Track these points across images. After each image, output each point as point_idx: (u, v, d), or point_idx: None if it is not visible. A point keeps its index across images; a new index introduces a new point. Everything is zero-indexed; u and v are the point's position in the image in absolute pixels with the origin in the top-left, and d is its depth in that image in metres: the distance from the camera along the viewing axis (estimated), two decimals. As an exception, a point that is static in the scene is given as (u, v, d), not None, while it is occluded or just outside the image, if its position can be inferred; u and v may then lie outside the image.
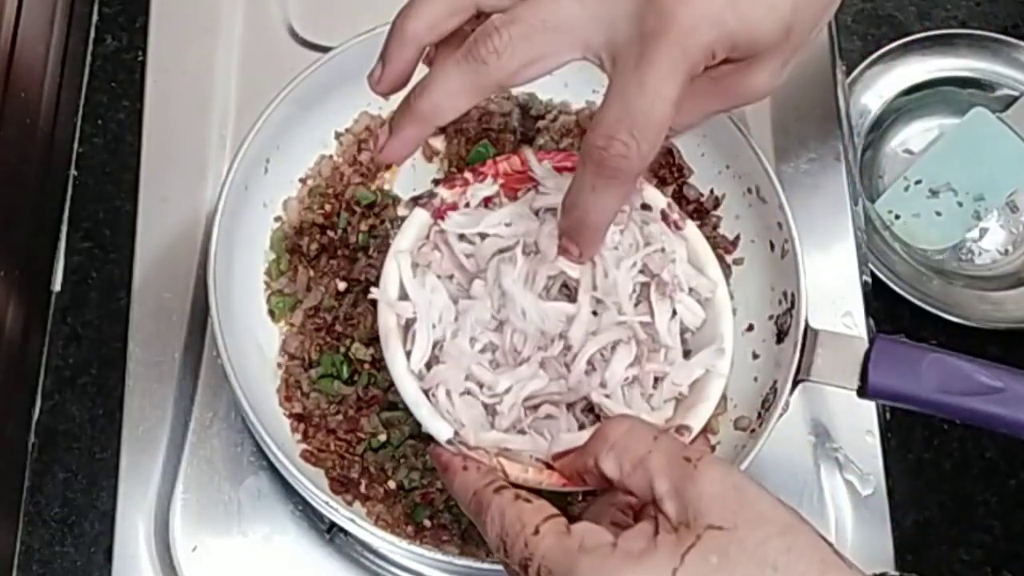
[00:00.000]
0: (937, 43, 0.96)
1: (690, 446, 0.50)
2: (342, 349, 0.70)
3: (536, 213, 0.60)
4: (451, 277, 0.60)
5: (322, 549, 0.70)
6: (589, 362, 0.58)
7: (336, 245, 0.72)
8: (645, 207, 0.63)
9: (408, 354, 0.58)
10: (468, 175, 0.62)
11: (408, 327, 0.58)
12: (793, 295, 0.66)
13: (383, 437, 0.68)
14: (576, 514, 0.52)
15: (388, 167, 0.75)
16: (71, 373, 0.76)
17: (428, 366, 0.58)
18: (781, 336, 0.66)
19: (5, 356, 0.73)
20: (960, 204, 0.92)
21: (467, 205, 0.61)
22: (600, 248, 0.58)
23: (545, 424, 0.57)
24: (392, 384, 0.69)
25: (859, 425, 0.74)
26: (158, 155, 0.79)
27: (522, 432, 0.57)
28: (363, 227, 0.73)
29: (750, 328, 0.69)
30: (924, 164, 0.94)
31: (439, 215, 0.61)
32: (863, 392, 0.62)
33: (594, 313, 0.58)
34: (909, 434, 0.81)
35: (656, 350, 0.59)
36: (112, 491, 0.71)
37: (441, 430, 0.55)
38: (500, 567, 0.63)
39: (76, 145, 0.82)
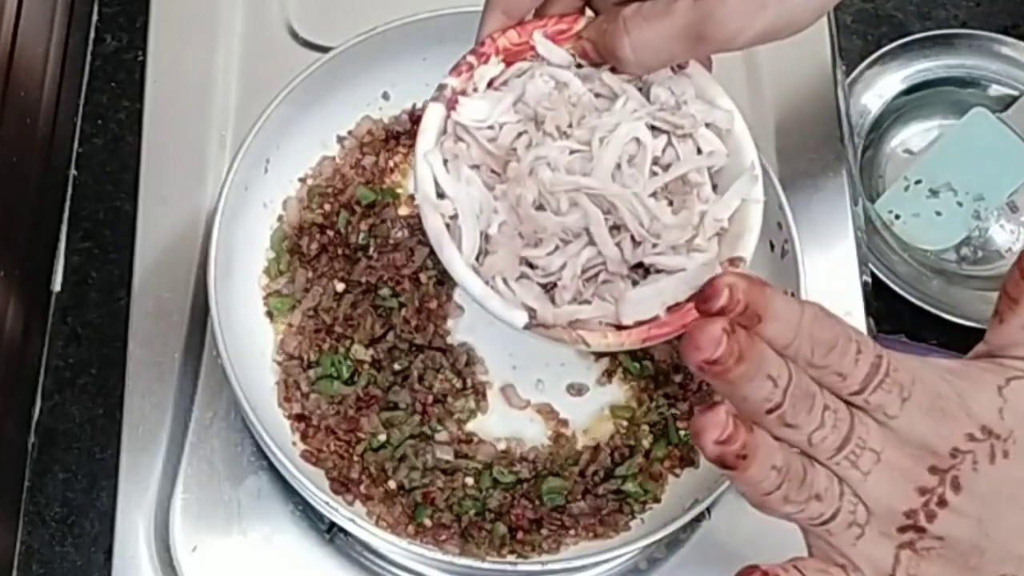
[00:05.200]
0: (937, 43, 0.96)
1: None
2: (341, 350, 0.70)
3: (543, 93, 0.58)
4: (478, 167, 0.58)
5: (322, 549, 0.70)
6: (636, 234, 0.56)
7: (336, 245, 0.72)
8: None
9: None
10: (471, 58, 0.59)
11: (450, 225, 0.57)
12: (793, 295, 0.65)
13: (383, 437, 0.68)
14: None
15: (391, 171, 0.75)
16: (71, 373, 0.76)
17: (478, 259, 0.56)
18: (781, 336, 0.66)
19: (5, 356, 0.73)
20: (960, 204, 0.92)
21: (475, 90, 0.59)
22: None
23: (606, 288, 0.56)
24: (392, 384, 0.69)
25: (859, 425, 0.74)
26: (158, 155, 0.79)
27: (587, 302, 0.56)
28: (363, 227, 0.73)
29: (750, 328, 0.69)
30: (924, 164, 0.94)
31: (452, 105, 0.58)
32: (863, 392, 0.62)
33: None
34: (909, 434, 0.80)
35: (689, 192, 0.57)
36: (112, 491, 0.71)
37: (517, 318, 0.54)
38: (499, 567, 0.63)
39: (76, 145, 0.82)
